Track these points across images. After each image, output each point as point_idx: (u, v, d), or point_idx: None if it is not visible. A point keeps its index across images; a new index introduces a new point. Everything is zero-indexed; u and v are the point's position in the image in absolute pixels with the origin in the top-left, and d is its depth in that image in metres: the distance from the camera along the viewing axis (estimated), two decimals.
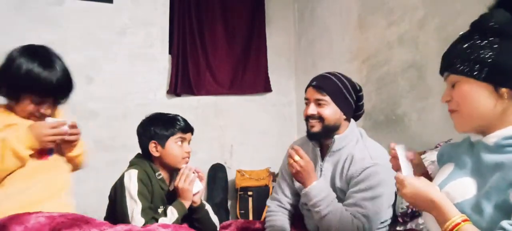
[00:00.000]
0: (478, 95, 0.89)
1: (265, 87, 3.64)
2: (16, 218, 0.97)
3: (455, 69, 0.91)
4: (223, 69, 3.54)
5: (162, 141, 1.60)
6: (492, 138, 0.90)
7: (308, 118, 1.52)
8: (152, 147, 1.62)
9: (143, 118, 1.73)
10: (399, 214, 1.57)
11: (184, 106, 3.40)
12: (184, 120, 1.68)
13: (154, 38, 3.41)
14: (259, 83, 3.62)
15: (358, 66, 2.71)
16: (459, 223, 0.83)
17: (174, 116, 1.67)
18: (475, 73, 0.88)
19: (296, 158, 1.43)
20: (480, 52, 0.88)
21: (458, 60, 0.91)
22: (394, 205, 1.59)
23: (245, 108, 3.61)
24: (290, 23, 3.82)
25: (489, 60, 0.86)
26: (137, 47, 3.34)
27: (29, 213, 1.01)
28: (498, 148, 0.88)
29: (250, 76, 3.60)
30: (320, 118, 1.49)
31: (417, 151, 1.92)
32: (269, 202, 1.70)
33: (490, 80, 0.87)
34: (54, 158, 1.41)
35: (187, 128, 1.66)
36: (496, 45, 0.87)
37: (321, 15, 3.26)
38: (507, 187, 0.81)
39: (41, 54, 1.32)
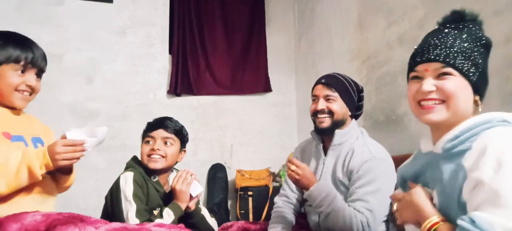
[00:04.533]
0: (464, 94, 0.92)
1: (265, 87, 3.64)
2: (13, 217, 0.98)
3: (456, 64, 0.91)
4: (223, 69, 3.54)
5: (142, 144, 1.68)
6: (439, 144, 0.93)
7: (316, 113, 1.61)
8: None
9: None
10: None
11: (184, 107, 3.41)
12: (160, 119, 1.68)
13: (154, 38, 3.41)
14: (259, 83, 3.62)
15: (358, 66, 2.70)
16: (437, 222, 0.86)
17: (155, 119, 1.71)
18: (471, 74, 0.92)
19: (293, 168, 1.51)
20: (476, 56, 0.93)
21: (460, 56, 0.91)
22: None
23: (245, 108, 3.61)
24: (290, 23, 3.82)
25: (480, 67, 0.93)
26: (137, 47, 3.35)
27: (26, 212, 1.02)
28: (446, 152, 0.91)
29: (250, 76, 3.60)
30: (330, 113, 1.59)
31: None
32: (276, 199, 1.78)
33: (475, 84, 0.92)
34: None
35: (153, 126, 1.66)
36: (484, 55, 0.94)
37: (321, 15, 3.25)
38: (459, 191, 0.85)
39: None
